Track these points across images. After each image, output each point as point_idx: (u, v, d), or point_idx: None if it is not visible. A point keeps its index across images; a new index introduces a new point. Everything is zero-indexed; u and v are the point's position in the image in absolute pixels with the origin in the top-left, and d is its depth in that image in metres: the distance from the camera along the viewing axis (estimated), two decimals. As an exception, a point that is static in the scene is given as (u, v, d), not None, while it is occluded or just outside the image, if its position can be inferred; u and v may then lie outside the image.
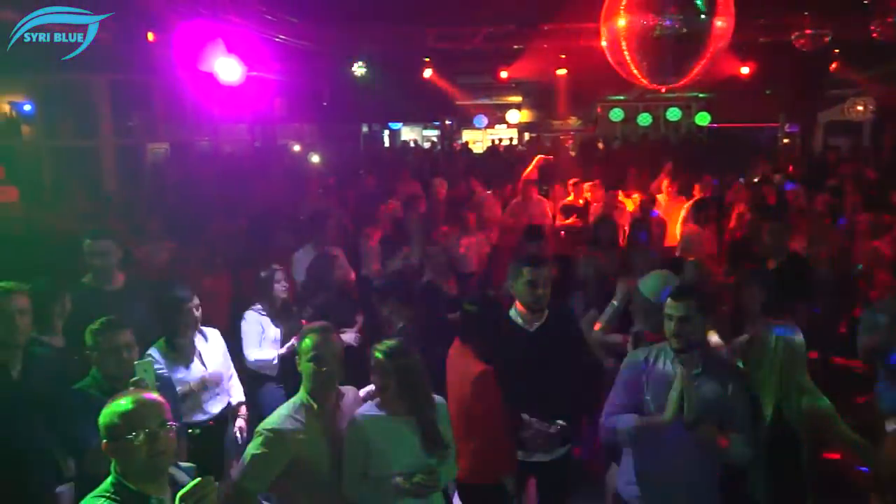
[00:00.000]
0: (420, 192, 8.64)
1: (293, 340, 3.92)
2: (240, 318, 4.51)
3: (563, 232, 7.39)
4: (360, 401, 3.09)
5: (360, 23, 10.94)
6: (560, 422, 3.41)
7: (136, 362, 2.93)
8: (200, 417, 3.75)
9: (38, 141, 11.01)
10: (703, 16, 6.83)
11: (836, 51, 12.41)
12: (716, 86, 14.78)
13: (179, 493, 1.97)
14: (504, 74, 13.72)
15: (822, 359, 4.07)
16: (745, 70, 12.90)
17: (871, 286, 5.13)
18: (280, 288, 4.53)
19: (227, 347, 4.07)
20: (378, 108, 17.33)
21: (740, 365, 3.40)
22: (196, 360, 3.78)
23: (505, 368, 3.29)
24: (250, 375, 4.41)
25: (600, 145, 17.61)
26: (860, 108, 14.41)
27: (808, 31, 10.27)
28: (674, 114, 19.42)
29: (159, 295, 3.78)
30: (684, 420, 2.84)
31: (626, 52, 7.17)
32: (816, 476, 2.97)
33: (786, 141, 18.08)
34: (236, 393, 4.09)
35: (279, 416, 2.84)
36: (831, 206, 7.57)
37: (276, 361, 4.37)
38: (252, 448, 2.77)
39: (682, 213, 7.44)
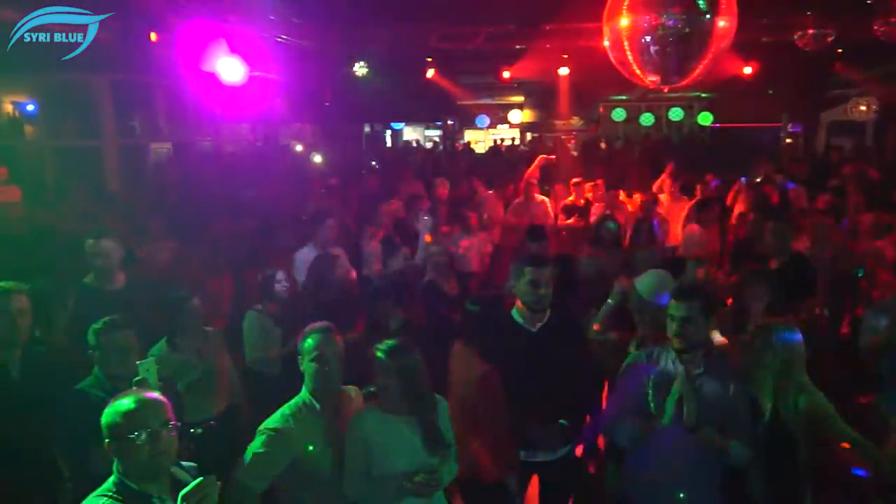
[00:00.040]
0: (422, 192, 8.63)
1: (295, 340, 3.91)
2: (241, 317, 4.51)
3: (563, 232, 7.38)
4: (362, 400, 3.10)
5: (363, 23, 10.94)
6: (562, 421, 3.40)
7: (138, 362, 2.92)
8: (202, 417, 3.74)
9: (40, 141, 11.06)
10: (705, 15, 6.81)
11: (840, 51, 12.40)
12: (718, 86, 14.77)
13: (181, 493, 1.98)
14: (506, 74, 13.74)
15: (824, 359, 4.06)
16: (747, 70, 12.90)
17: (874, 286, 5.12)
18: (281, 288, 4.53)
19: (229, 347, 4.07)
20: (380, 108, 17.34)
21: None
22: (198, 359, 3.77)
23: (507, 368, 3.28)
24: (252, 375, 4.41)
25: (602, 145, 17.57)
26: (863, 108, 14.39)
27: (811, 31, 10.27)
28: (676, 114, 19.39)
29: (161, 295, 3.79)
30: (684, 423, 2.83)
31: (628, 52, 7.16)
32: (814, 475, 2.97)
33: (788, 141, 18.04)
34: (237, 393, 4.08)
35: (281, 415, 2.85)
36: (834, 206, 7.55)
37: (277, 361, 4.36)
38: (254, 447, 2.77)
39: (684, 212, 7.43)
